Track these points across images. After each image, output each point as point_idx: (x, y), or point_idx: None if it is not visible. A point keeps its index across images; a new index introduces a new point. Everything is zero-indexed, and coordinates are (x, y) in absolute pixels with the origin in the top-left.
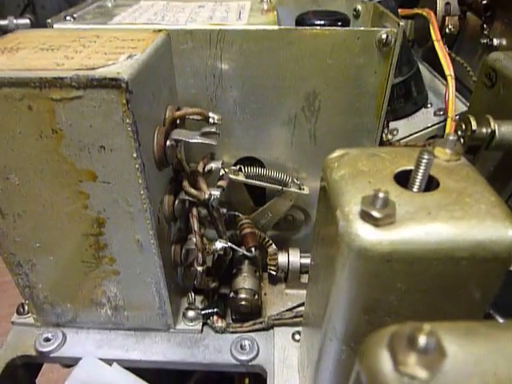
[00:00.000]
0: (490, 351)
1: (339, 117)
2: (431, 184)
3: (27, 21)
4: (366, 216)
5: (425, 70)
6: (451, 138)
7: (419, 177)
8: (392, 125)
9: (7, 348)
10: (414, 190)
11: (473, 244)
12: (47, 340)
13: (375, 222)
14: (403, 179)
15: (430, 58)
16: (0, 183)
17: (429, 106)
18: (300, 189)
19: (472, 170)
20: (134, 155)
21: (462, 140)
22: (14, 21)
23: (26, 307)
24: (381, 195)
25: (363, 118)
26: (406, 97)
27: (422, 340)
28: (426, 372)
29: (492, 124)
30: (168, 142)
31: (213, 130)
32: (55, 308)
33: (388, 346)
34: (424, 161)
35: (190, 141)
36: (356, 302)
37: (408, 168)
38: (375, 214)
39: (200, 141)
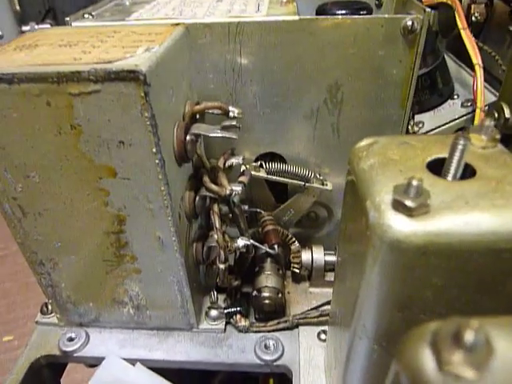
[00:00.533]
0: None
1: (363, 109)
2: (467, 172)
3: (48, 26)
4: (398, 206)
5: (450, 61)
6: (487, 123)
7: (454, 164)
8: (417, 117)
9: (31, 348)
10: (449, 178)
11: None
12: (71, 340)
13: (409, 212)
14: (436, 168)
15: (456, 48)
16: (21, 181)
17: (455, 97)
18: (323, 184)
19: (510, 156)
20: (154, 150)
21: None
22: (36, 26)
23: (50, 307)
24: (414, 183)
25: (388, 110)
26: (432, 88)
27: (469, 336)
28: (473, 371)
29: None
30: (188, 137)
31: (233, 123)
32: (78, 307)
33: (431, 343)
34: (460, 146)
35: (210, 135)
36: (388, 298)
37: (441, 156)
38: (409, 203)
39: (220, 135)
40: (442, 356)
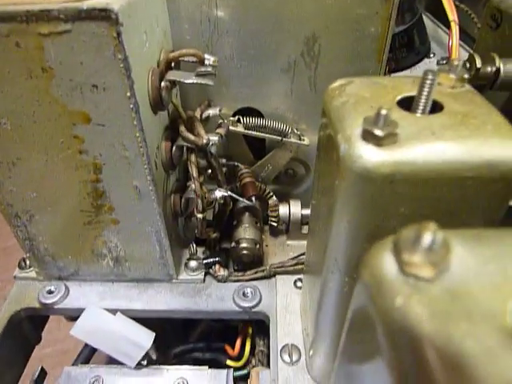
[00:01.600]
0: (499, 252)
1: (340, 62)
2: (435, 109)
3: None
4: (368, 136)
5: (428, 21)
6: (456, 62)
7: (423, 99)
8: (394, 75)
9: (11, 301)
10: (418, 113)
11: (480, 163)
12: (50, 292)
13: (378, 142)
14: (406, 105)
15: (433, 8)
16: None
17: (431, 56)
18: (300, 139)
19: (477, 94)
20: (128, 94)
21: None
22: None
23: (28, 261)
24: (383, 112)
25: (365, 63)
26: (409, 46)
27: (427, 237)
28: (432, 271)
29: (497, 62)
30: (163, 83)
31: (209, 69)
32: (57, 261)
33: (392, 249)
34: (428, 81)
35: (186, 81)
36: (358, 229)
37: (411, 94)
38: (377, 132)
39: (196, 81)
40: (402, 258)
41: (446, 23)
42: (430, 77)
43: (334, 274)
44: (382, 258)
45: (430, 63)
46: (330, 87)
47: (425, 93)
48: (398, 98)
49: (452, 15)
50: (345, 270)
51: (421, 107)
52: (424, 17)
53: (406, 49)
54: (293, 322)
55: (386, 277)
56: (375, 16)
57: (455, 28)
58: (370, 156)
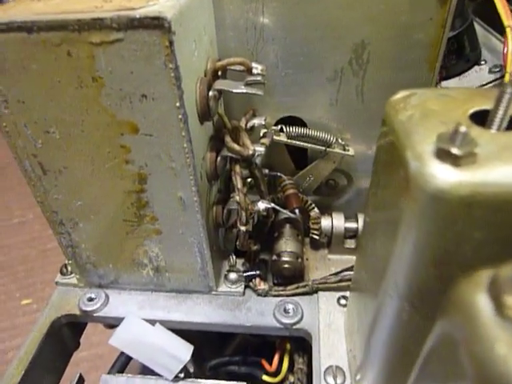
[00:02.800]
0: None
1: (390, 70)
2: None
3: None
4: (443, 154)
5: (477, 26)
6: None
7: (500, 114)
8: (443, 83)
9: (52, 307)
10: (494, 129)
11: None
12: (90, 300)
13: (455, 161)
14: (479, 121)
15: (483, 12)
16: (41, 137)
17: (482, 62)
18: (344, 150)
19: None
20: (177, 104)
21: None
22: None
23: (69, 267)
24: (462, 130)
25: (416, 72)
26: (459, 53)
27: None
28: None
29: None
30: (211, 93)
31: (258, 78)
32: (98, 268)
33: (488, 289)
34: (507, 95)
35: (234, 91)
36: (424, 253)
37: (484, 108)
38: (455, 151)
39: (245, 91)
40: (501, 300)
41: (498, 29)
42: (508, 90)
43: (392, 298)
44: (477, 298)
45: (480, 71)
46: (393, 99)
47: (502, 107)
48: (470, 112)
49: (507, 20)
50: (406, 295)
51: (497, 123)
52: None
53: (456, 56)
54: (336, 342)
55: (481, 319)
56: (429, 22)
57: (511, 33)
58: (446, 176)
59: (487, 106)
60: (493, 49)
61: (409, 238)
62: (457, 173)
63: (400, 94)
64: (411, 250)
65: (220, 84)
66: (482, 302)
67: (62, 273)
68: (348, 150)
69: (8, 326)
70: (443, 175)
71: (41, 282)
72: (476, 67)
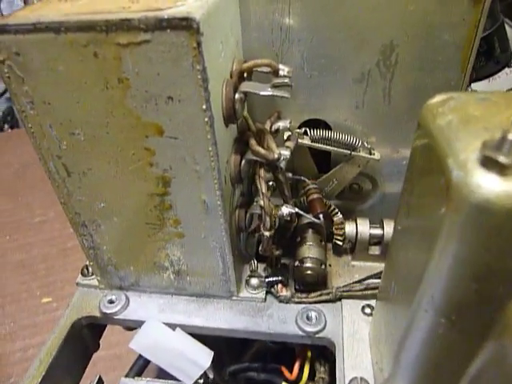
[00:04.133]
0: None
1: (419, 72)
2: None
3: None
4: (489, 163)
5: (508, 27)
6: None
7: None
8: (472, 86)
9: (73, 308)
10: None
11: None
12: (111, 302)
13: (502, 171)
14: None
15: None
16: (65, 139)
17: None
18: (370, 154)
19: None
20: (204, 107)
21: None
22: None
23: (90, 269)
24: (510, 137)
25: (446, 74)
26: (488, 54)
27: None
28: None
29: None
30: (237, 95)
31: (285, 80)
32: (119, 270)
33: None
34: None
35: (261, 93)
36: (465, 267)
37: None
38: (502, 159)
39: (272, 93)
40: None
41: None
42: None
43: (427, 312)
44: None
45: (511, 73)
46: (430, 102)
47: None
48: None
49: None
50: (442, 310)
51: None
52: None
53: (485, 57)
54: (361, 353)
55: None
56: (461, 22)
57: None
58: (492, 186)
59: None
60: None
61: (448, 250)
62: (504, 183)
63: (437, 98)
64: (450, 263)
65: (246, 86)
66: None
67: (82, 274)
68: (374, 154)
69: (29, 324)
70: (489, 185)
71: (61, 280)
72: (506, 69)
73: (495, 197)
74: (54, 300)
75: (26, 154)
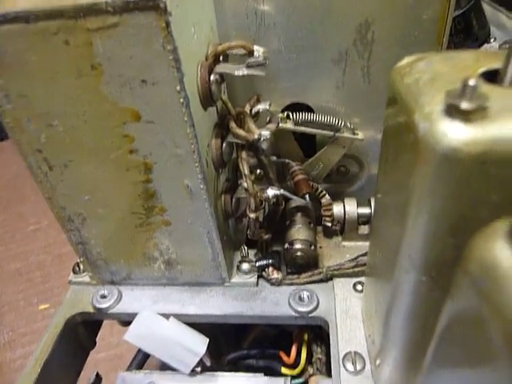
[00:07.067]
0: None
1: (395, 48)
2: None
3: None
4: (452, 111)
5: (485, 5)
6: None
7: (511, 70)
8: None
9: (66, 305)
10: (506, 85)
11: None
12: (104, 297)
13: (465, 117)
14: (490, 79)
15: None
16: (44, 131)
17: (492, 40)
18: (354, 134)
19: None
20: (178, 88)
21: None
22: None
23: (81, 266)
24: (471, 83)
25: (423, 48)
26: (467, 32)
27: None
28: None
29: None
30: (212, 77)
31: (260, 59)
32: (109, 265)
33: (508, 236)
34: None
35: (236, 73)
36: (439, 221)
37: (494, 67)
38: (465, 105)
39: (247, 72)
40: None
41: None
42: None
43: (408, 273)
44: (496, 248)
45: (490, 48)
46: (398, 65)
47: None
48: (480, 71)
49: None
50: (423, 268)
51: (508, 79)
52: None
53: (464, 35)
54: (354, 328)
55: (503, 268)
56: None
57: None
58: (456, 133)
59: (497, 65)
60: (502, 26)
61: (422, 206)
62: (468, 129)
63: (405, 60)
64: (425, 218)
65: (221, 68)
66: (502, 251)
67: (74, 271)
68: (357, 134)
69: (27, 331)
70: (454, 133)
71: (57, 286)
72: (486, 45)
73: (461, 144)
74: (51, 306)
75: (16, 165)
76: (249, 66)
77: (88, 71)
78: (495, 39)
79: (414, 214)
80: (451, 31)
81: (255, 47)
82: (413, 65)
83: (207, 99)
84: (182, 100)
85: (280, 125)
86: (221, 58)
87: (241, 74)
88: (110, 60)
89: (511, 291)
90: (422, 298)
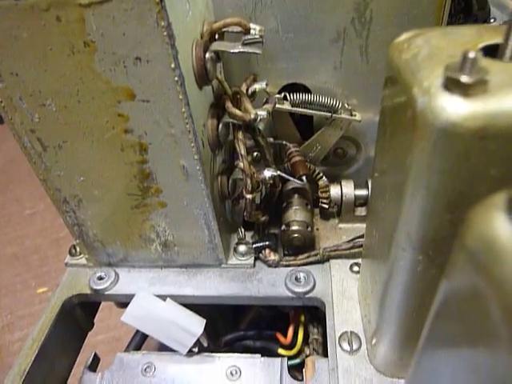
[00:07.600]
0: None
1: (394, 27)
2: None
3: None
4: (452, 85)
5: None
6: None
7: (511, 44)
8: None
9: (63, 287)
10: (506, 59)
11: None
12: (101, 278)
13: (465, 91)
14: (490, 54)
15: None
16: (37, 111)
17: (492, 21)
18: (351, 115)
19: None
20: (172, 65)
21: None
22: None
23: (78, 248)
24: (470, 55)
25: (422, 27)
26: (466, 12)
27: None
28: None
29: None
30: (207, 55)
31: (256, 37)
32: (106, 247)
33: (506, 207)
34: None
35: (231, 51)
36: (437, 197)
37: (495, 42)
38: (464, 79)
39: (243, 50)
40: None
41: None
42: None
43: (405, 251)
44: (495, 220)
45: None
46: (396, 41)
47: None
48: (480, 45)
49: None
50: (419, 246)
51: (508, 53)
52: None
53: (463, 15)
54: (351, 309)
55: (502, 240)
56: None
57: None
58: (455, 108)
59: (497, 40)
60: (502, 6)
61: (420, 181)
62: (468, 104)
63: (403, 36)
64: (423, 194)
65: (217, 45)
66: (501, 222)
67: (71, 254)
68: (355, 116)
69: (26, 314)
70: (453, 107)
71: (55, 270)
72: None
73: (460, 118)
74: (49, 289)
75: (12, 150)
76: (245, 44)
77: (81, 48)
78: (495, 19)
79: (412, 190)
80: (451, 11)
81: (252, 25)
82: (411, 40)
83: (203, 78)
84: (176, 78)
85: (277, 106)
86: (216, 37)
87: (236, 51)
88: (103, 36)
89: (510, 263)
90: (419, 276)
